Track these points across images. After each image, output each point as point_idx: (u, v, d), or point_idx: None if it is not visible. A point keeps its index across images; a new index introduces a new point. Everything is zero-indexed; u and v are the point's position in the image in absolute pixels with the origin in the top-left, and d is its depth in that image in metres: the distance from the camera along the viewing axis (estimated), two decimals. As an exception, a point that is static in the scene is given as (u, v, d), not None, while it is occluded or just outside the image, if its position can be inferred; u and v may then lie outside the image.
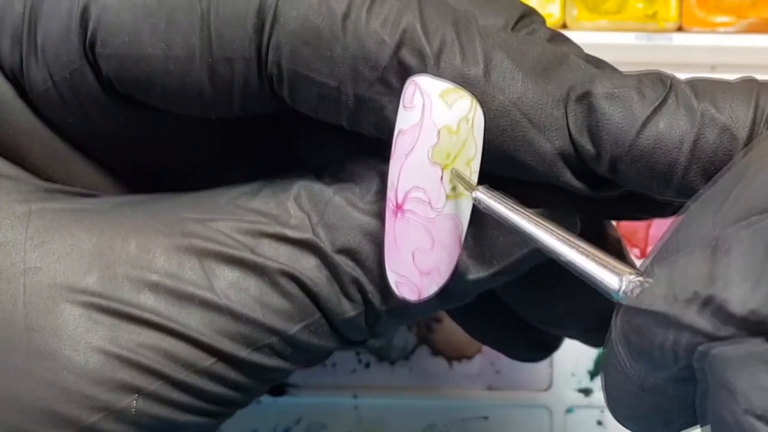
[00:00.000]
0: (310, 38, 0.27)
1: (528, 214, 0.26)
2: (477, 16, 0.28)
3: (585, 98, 0.27)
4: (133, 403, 0.27)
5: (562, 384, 0.44)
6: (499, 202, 0.26)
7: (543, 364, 0.44)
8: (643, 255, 0.44)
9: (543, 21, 0.30)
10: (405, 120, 0.27)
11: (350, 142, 0.29)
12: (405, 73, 0.27)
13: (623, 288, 0.24)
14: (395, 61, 0.27)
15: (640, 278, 0.24)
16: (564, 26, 0.44)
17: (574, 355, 0.44)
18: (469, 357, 0.44)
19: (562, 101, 0.27)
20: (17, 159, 0.30)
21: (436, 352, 0.44)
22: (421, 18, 0.27)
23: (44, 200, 0.29)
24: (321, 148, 0.30)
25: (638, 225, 0.44)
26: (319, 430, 0.44)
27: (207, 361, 0.28)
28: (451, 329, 0.43)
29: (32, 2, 0.28)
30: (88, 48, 0.28)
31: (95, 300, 0.27)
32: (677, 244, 0.24)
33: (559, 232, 0.25)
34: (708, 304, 0.22)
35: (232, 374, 0.28)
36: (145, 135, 0.30)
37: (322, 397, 0.44)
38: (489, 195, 0.27)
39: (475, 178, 0.27)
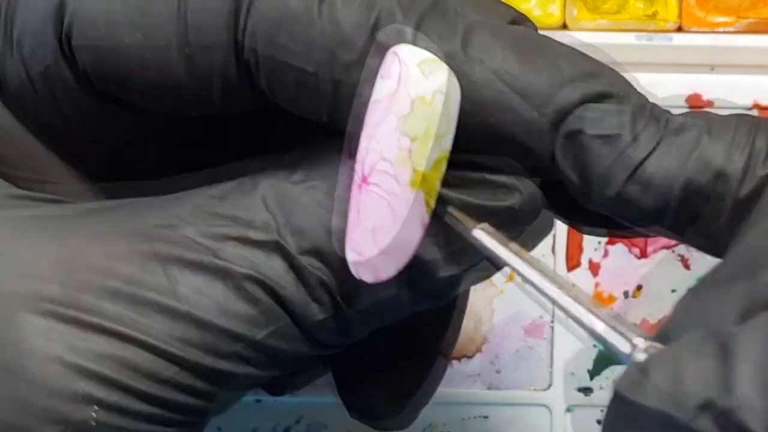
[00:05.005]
0: (285, 23, 0.27)
1: (530, 262, 0.25)
2: None
3: (576, 135, 0.26)
4: (92, 414, 0.26)
5: (562, 383, 0.44)
6: (500, 244, 0.26)
7: (543, 364, 0.44)
8: (643, 255, 0.44)
9: (534, 28, 0.29)
10: (380, 90, 0.26)
11: (324, 141, 0.29)
12: (383, 54, 0.26)
13: (634, 355, 0.23)
14: (372, 42, 0.26)
15: (653, 347, 0.23)
16: (564, 26, 0.44)
17: (574, 355, 0.44)
18: (469, 356, 0.44)
19: (548, 79, 0.27)
20: None
21: (436, 351, 0.44)
22: None
23: (9, 207, 0.28)
24: (294, 146, 0.30)
25: (638, 224, 0.44)
26: (319, 429, 0.44)
27: (170, 370, 0.27)
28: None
29: (9, 1, 0.28)
30: (64, 41, 0.28)
31: (55, 308, 0.27)
32: (682, 326, 0.23)
33: (565, 286, 0.25)
34: (723, 415, 0.21)
35: (198, 383, 0.27)
36: (120, 134, 0.30)
37: (323, 396, 0.43)
38: (490, 234, 0.26)
39: (446, 157, 0.27)
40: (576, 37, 0.43)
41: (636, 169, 0.26)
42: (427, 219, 0.27)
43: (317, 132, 0.29)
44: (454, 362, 0.44)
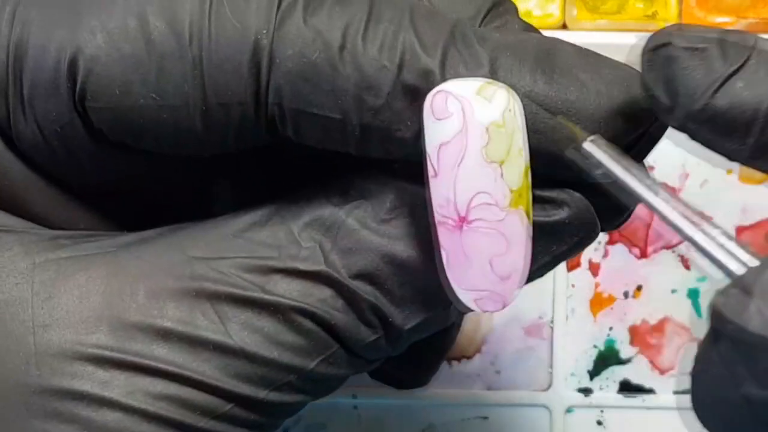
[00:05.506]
0: (309, 75, 0.26)
1: (639, 176, 0.26)
2: (447, 7, 0.28)
3: (664, 48, 0.26)
4: None
5: (562, 384, 0.44)
6: (611, 158, 0.26)
7: (543, 364, 0.44)
8: (643, 255, 0.44)
9: (515, 10, 0.30)
10: (443, 131, 0.26)
11: (352, 162, 0.28)
12: (410, 94, 0.26)
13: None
14: (399, 84, 0.26)
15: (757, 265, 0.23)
16: (564, 26, 0.44)
17: (574, 355, 0.44)
18: (469, 357, 0.44)
19: (573, 82, 0.27)
20: (15, 209, 0.29)
21: (435, 352, 0.44)
22: (417, 35, 0.27)
23: (47, 250, 0.28)
24: (326, 164, 0.29)
25: (638, 225, 0.44)
26: (318, 430, 0.44)
27: (226, 407, 0.27)
28: (450, 329, 0.43)
29: (15, 53, 0.28)
30: (78, 101, 0.28)
31: (108, 354, 0.27)
32: None
33: (672, 200, 0.25)
34: None
35: (252, 415, 0.28)
36: (139, 176, 0.30)
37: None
38: (600, 146, 0.26)
39: (528, 166, 0.27)
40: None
41: (724, 82, 0.26)
42: (531, 230, 0.27)
43: (338, 156, 0.28)
44: (454, 363, 0.44)
